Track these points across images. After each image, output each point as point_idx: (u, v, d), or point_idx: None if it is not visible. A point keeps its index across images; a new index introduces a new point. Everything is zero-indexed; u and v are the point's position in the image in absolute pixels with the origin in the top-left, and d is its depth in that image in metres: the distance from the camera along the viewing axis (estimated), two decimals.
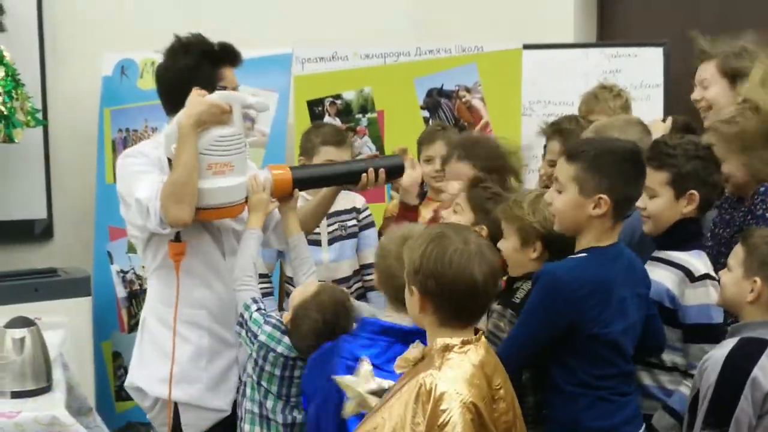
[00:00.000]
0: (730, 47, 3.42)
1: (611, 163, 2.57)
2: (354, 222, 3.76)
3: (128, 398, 4.55)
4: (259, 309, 2.89)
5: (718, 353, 2.50)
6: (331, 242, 3.66)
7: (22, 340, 3.14)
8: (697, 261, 2.82)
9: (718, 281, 2.77)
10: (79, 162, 4.77)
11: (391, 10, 5.33)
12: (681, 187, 2.81)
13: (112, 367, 4.58)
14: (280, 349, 2.82)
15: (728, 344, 2.51)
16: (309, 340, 2.77)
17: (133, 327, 4.55)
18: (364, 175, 3.07)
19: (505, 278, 2.95)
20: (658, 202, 2.84)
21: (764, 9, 4.59)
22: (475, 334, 2.21)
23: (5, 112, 4.03)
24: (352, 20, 5.16)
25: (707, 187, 2.83)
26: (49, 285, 4.20)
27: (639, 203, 2.91)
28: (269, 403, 2.85)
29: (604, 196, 2.55)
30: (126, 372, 4.49)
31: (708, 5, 4.74)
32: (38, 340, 3.19)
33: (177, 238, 2.90)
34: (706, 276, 2.78)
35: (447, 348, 2.15)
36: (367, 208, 3.83)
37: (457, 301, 2.17)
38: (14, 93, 4.10)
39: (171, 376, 2.93)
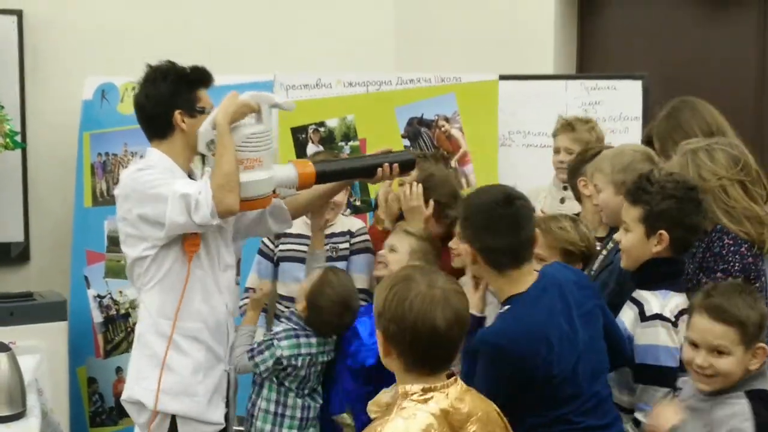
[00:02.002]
0: (664, 107, 3.50)
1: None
2: (346, 245, 3.75)
3: (103, 424, 4.54)
4: (253, 350, 3.34)
5: (736, 421, 2.41)
6: None
7: None
8: (655, 300, 2.73)
9: (672, 323, 2.69)
10: (57, 185, 4.74)
11: (374, 38, 5.35)
12: (652, 226, 2.74)
13: (86, 392, 4.53)
14: (303, 350, 3.29)
15: (734, 403, 2.44)
16: (330, 315, 3.29)
17: (110, 352, 4.52)
18: (380, 168, 3.20)
19: None
20: (630, 237, 2.79)
21: (742, 43, 4.66)
22: (449, 378, 2.14)
23: None
24: (335, 48, 5.18)
25: (681, 228, 2.73)
26: (24, 309, 4.15)
27: (616, 236, 2.91)
28: (290, 401, 3.31)
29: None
30: (101, 398, 4.52)
31: (687, 39, 4.80)
32: (13, 364, 3.16)
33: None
34: (657, 316, 2.69)
35: (405, 395, 2.10)
36: (363, 233, 3.81)
37: (419, 348, 2.10)
38: None
39: (159, 383, 2.99)
